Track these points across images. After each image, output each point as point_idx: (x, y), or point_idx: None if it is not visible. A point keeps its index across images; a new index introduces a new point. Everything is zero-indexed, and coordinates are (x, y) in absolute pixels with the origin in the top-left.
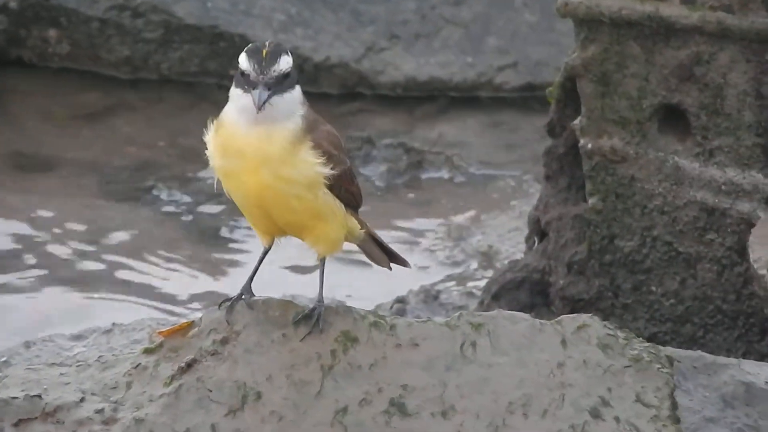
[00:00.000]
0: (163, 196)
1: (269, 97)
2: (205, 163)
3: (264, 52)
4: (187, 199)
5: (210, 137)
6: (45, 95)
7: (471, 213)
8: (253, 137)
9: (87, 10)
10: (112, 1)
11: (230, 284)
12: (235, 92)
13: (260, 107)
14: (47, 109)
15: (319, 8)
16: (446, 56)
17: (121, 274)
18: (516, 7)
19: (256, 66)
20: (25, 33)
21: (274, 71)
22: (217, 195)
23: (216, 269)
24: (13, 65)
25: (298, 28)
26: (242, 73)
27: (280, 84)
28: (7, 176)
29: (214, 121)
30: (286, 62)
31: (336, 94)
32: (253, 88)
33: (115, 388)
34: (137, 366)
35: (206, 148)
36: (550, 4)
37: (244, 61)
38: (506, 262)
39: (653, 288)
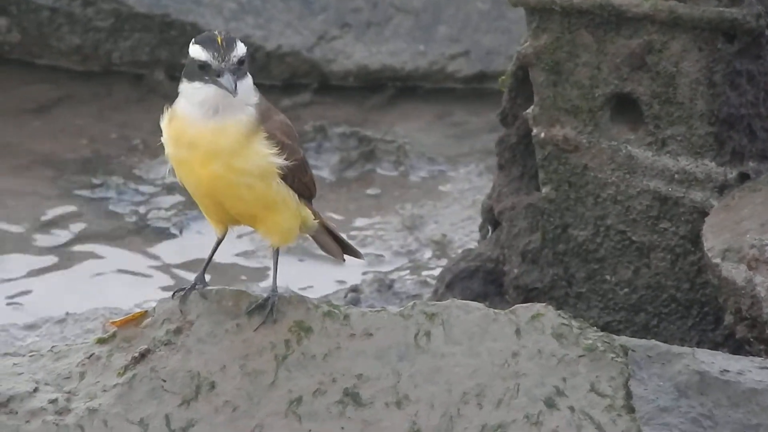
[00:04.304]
0: (115, 188)
1: (235, 82)
2: (155, 156)
3: (219, 39)
4: (139, 191)
5: (164, 124)
6: None
7: (424, 202)
8: (206, 130)
9: None
10: None
11: (184, 274)
12: (190, 87)
13: (234, 90)
14: None
15: None
16: (397, 44)
17: (75, 265)
18: None
19: (216, 54)
20: None
21: (234, 57)
22: (168, 187)
23: (169, 259)
24: None
25: (249, 16)
26: (200, 66)
27: (238, 71)
28: None
29: (168, 109)
30: (242, 48)
31: (287, 86)
32: (218, 76)
33: (68, 378)
34: (90, 356)
35: (161, 134)
36: None
37: (200, 52)
38: (460, 251)
39: (607, 277)
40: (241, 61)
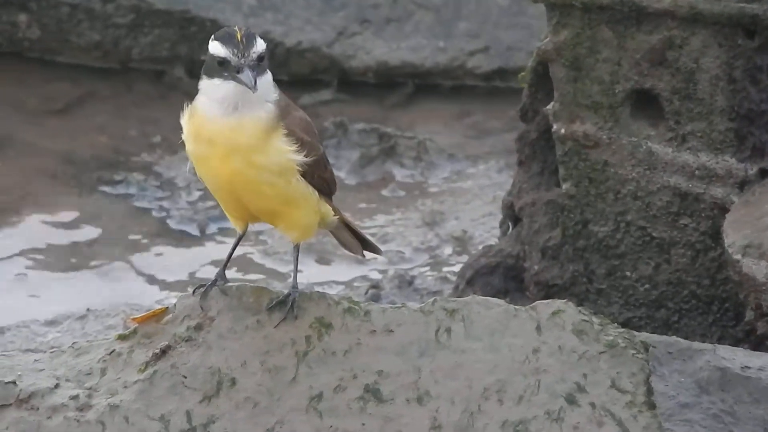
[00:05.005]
0: (136, 185)
1: (255, 78)
2: (175, 153)
3: (238, 35)
4: (159, 188)
5: (185, 121)
6: (15, 85)
7: (444, 198)
8: (225, 126)
9: None
10: None
11: (204, 271)
12: (209, 83)
13: (254, 86)
14: (17, 98)
15: None
16: (417, 40)
17: (95, 262)
18: None
19: (234, 51)
20: None
21: (254, 53)
22: (189, 184)
23: (189, 256)
24: None
25: (269, 12)
26: (219, 62)
27: (258, 67)
28: None
29: (189, 105)
30: (261, 44)
31: (307, 82)
32: (237, 73)
33: (89, 374)
34: (111, 352)
35: (181, 131)
36: None
37: (219, 48)
38: (480, 247)
39: (627, 273)
40: (260, 58)
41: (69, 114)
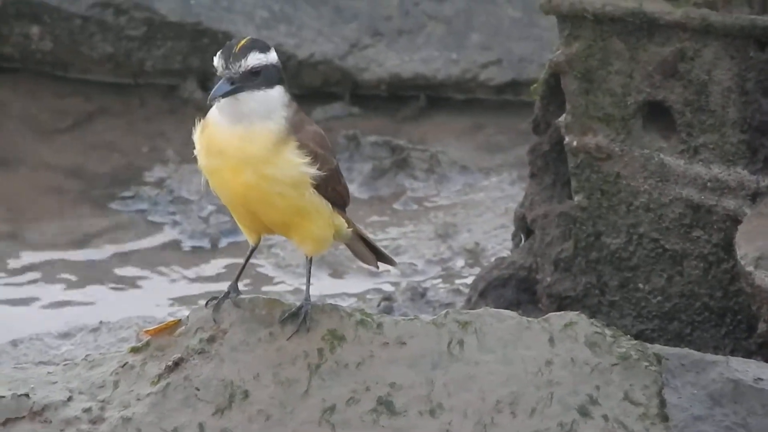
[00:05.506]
0: (147, 200)
1: (233, 91)
2: (187, 167)
3: (237, 47)
4: (171, 202)
5: (197, 136)
6: (27, 100)
7: (457, 211)
8: (233, 137)
9: (69, 7)
10: None
11: (217, 284)
12: None
13: (212, 98)
14: (29, 114)
15: (301, 4)
16: (429, 52)
17: (107, 275)
18: (498, 2)
19: (222, 61)
20: (7, 30)
21: (240, 67)
22: (202, 198)
23: (202, 269)
24: None
25: (281, 24)
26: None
27: (250, 80)
28: None
29: (201, 120)
30: (255, 58)
31: (319, 98)
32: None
33: (102, 387)
34: (124, 365)
35: (194, 147)
36: None
37: (215, 59)
38: (493, 259)
39: (640, 285)
40: (253, 72)
41: (81, 129)
